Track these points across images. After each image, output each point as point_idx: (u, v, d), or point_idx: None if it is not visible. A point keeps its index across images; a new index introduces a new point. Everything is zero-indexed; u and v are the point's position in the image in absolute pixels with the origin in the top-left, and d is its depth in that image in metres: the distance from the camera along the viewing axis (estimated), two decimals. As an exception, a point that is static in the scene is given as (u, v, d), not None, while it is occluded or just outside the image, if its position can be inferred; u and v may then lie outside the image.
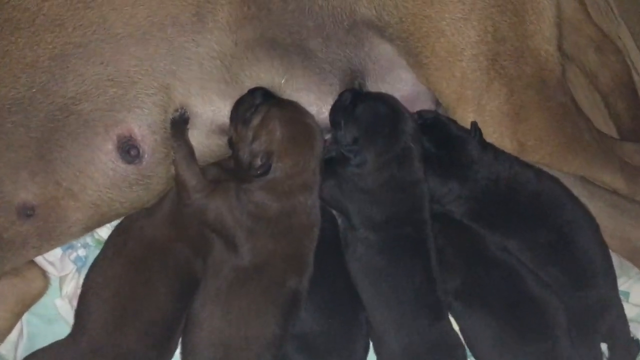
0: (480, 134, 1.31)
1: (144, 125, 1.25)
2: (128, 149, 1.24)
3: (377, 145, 1.27)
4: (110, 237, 1.32)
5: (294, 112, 1.26)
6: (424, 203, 1.29)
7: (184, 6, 1.25)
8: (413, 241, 1.27)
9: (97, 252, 1.35)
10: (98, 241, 1.45)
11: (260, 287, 1.22)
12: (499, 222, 1.34)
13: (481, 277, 1.30)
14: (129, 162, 1.25)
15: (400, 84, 1.39)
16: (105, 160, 1.24)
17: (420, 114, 1.38)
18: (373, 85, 1.39)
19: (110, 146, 1.23)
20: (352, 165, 1.29)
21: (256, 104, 1.25)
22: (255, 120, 1.24)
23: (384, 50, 1.36)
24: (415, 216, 1.28)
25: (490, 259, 1.32)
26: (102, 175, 1.24)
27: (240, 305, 1.21)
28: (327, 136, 1.43)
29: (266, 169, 1.21)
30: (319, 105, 1.36)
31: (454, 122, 1.34)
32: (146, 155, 1.26)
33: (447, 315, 1.30)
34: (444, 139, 1.31)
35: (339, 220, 1.35)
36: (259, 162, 1.22)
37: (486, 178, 1.31)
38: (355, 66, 1.37)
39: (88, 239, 1.45)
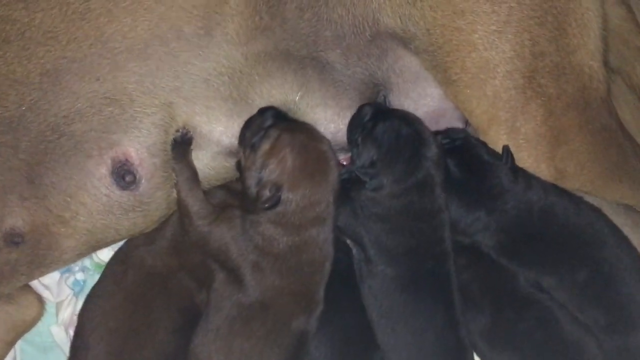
0: (512, 159, 1.22)
1: (142, 147, 1.18)
2: (123, 174, 1.17)
3: (396, 171, 1.19)
4: (109, 265, 1.26)
5: (307, 137, 1.16)
6: (445, 234, 1.20)
7: (189, 18, 1.17)
8: (434, 277, 1.18)
9: (96, 276, 1.30)
10: (97, 265, 1.39)
11: (264, 326, 1.14)
12: (532, 258, 1.25)
13: (511, 317, 1.21)
14: (124, 188, 1.18)
15: (426, 99, 1.31)
16: (98, 185, 1.17)
17: (448, 133, 1.28)
18: (396, 100, 1.32)
19: (103, 170, 1.17)
20: (367, 189, 1.20)
21: (266, 126, 1.16)
22: (265, 147, 1.14)
23: (409, 63, 1.28)
24: (436, 249, 1.19)
25: (521, 296, 1.23)
26: (95, 201, 1.18)
27: (243, 346, 1.13)
28: (346, 155, 1.34)
29: (275, 201, 1.12)
30: (336, 122, 1.28)
31: (484, 145, 1.25)
32: (143, 180, 1.19)
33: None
34: (472, 164, 1.22)
35: (354, 251, 1.25)
36: (267, 193, 1.13)
37: (517, 208, 1.22)
38: (377, 79, 1.29)
39: (87, 262, 1.40)
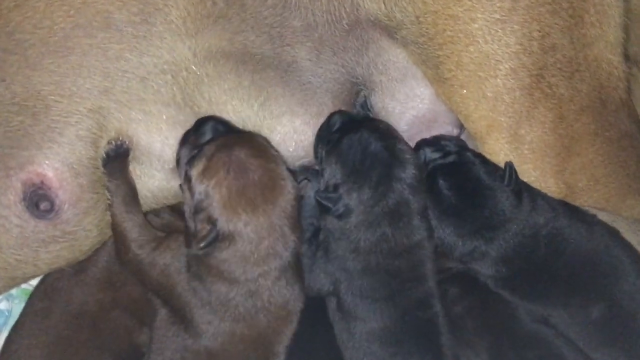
0: (517, 179, 1.08)
1: (63, 166, 1.03)
2: (37, 201, 1.01)
3: (362, 195, 1.02)
4: (31, 301, 1.11)
5: (248, 154, 0.96)
6: (427, 272, 1.06)
7: (121, 3, 1.02)
8: (418, 324, 1.04)
9: (22, 305, 1.14)
10: (25, 291, 1.23)
11: (213, 378, 0.99)
12: (537, 291, 1.13)
13: (511, 358, 1.09)
14: (41, 217, 1.03)
15: (415, 101, 1.21)
16: (7, 214, 1.02)
17: (440, 143, 1.13)
18: (379, 102, 1.21)
19: (12, 197, 1.01)
20: (333, 216, 1.04)
21: (202, 143, 0.98)
22: (197, 168, 0.95)
23: (395, 57, 1.17)
24: (418, 290, 1.05)
25: (523, 333, 1.12)
26: (4, 233, 1.03)
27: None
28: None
29: (211, 239, 0.93)
30: (307, 134, 1.17)
31: (483, 160, 1.11)
32: (66, 206, 1.04)
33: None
34: (468, 188, 1.08)
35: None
36: (206, 227, 0.94)
37: (520, 234, 1.10)
38: (356, 77, 1.19)
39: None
